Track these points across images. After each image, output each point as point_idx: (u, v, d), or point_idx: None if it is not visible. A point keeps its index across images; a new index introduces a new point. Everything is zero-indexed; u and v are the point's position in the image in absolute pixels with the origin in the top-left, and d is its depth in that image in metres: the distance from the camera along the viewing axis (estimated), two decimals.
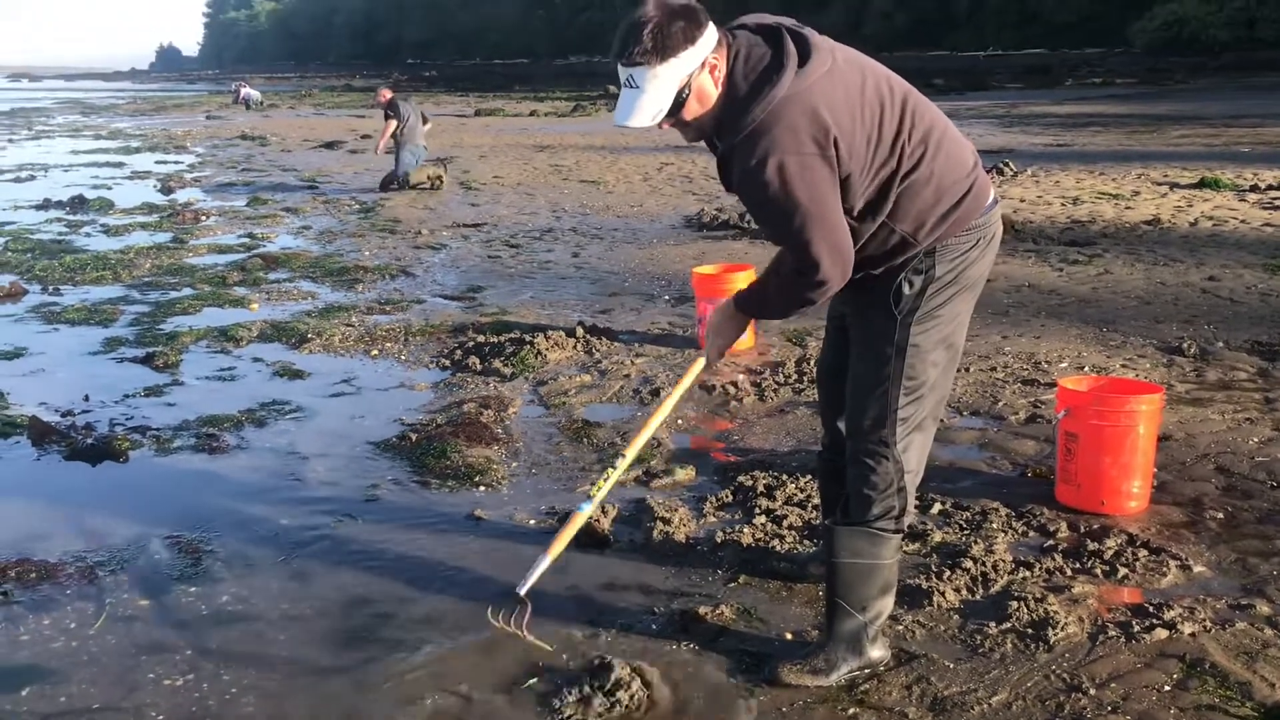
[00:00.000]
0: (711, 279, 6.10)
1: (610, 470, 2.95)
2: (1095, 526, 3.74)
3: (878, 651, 2.94)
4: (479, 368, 5.90)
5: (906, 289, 2.68)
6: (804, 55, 2.53)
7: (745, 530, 3.77)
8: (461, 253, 9.56)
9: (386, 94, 14.17)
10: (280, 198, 13.48)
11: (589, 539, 3.80)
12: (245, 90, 38.27)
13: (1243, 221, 9.50)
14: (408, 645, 3.17)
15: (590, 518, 2.95)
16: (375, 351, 6.38)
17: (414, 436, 4.86)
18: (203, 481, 4.48)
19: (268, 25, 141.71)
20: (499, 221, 11.24)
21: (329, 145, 20.90)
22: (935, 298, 2.69)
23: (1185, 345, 5.75)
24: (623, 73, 2.54)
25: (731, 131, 2.54)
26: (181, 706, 2.91)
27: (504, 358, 5.97)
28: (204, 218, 11.84)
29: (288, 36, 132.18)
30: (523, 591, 2.87)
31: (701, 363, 3.04)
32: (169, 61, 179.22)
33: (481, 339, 6.39)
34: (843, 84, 2.54)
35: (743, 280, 5.99)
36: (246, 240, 10.38)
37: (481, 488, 4.32)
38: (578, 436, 4.87)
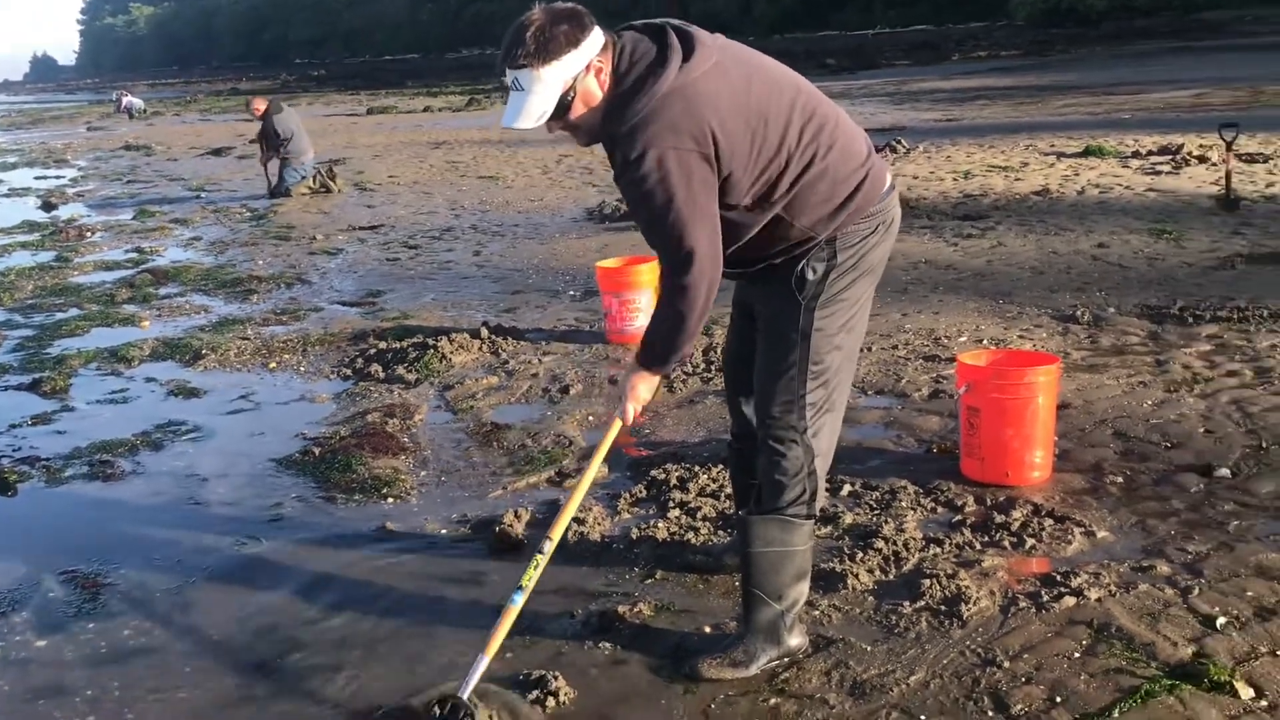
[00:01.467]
0: (615, 273, 6.07)
1: (539, 556, 2.86)
2: (1001, 498, 3.81)
3: (796, 639, 2.95)
4: (382, 375, 5.79)
5: (810, 275, 2.72)
6: (688, 51, 2.56)
7: (660, 525, 3.75)
8: (359, 257, 9.39)
9: (260, 105, 13.32)
10: (168, 209, 13.10)
11: (502, 545, 3.76)
12: (127, 99, 37.05)
13: (1127, 188, 9.77)
14: (321, 671, 3.09)
15: (518, 601, 2.83)
16: (273, 364, 6.23)
17: (317, 451, 4.75)
18: (98, 511, 4.32)
19: (147, 30, 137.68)
20: (396, 222, 11.06)
21: (216, 152, 20.37)
22: (838, 283, 2.73)
23: (1079, 313, 5.89)
24: (509, 75, 2.58)
25: (616, 125, 2.57)
26: None
27: (407, 363, 5.87)
28: (89, 234, 11.44)
29: (169, 41, 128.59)
30: (464, 695, 2.71)
31: (618, 425, 2.91)
32: (44, 71, 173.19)
33: (383, 345, 6.28)
34: (727, 81, 2.58)
35: (648, 273, 5.98)
36: (134, 255, 10.06)
37: (390, 499, 4.23)
38: (487, 440, 4.81)
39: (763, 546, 2.87)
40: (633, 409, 2.86)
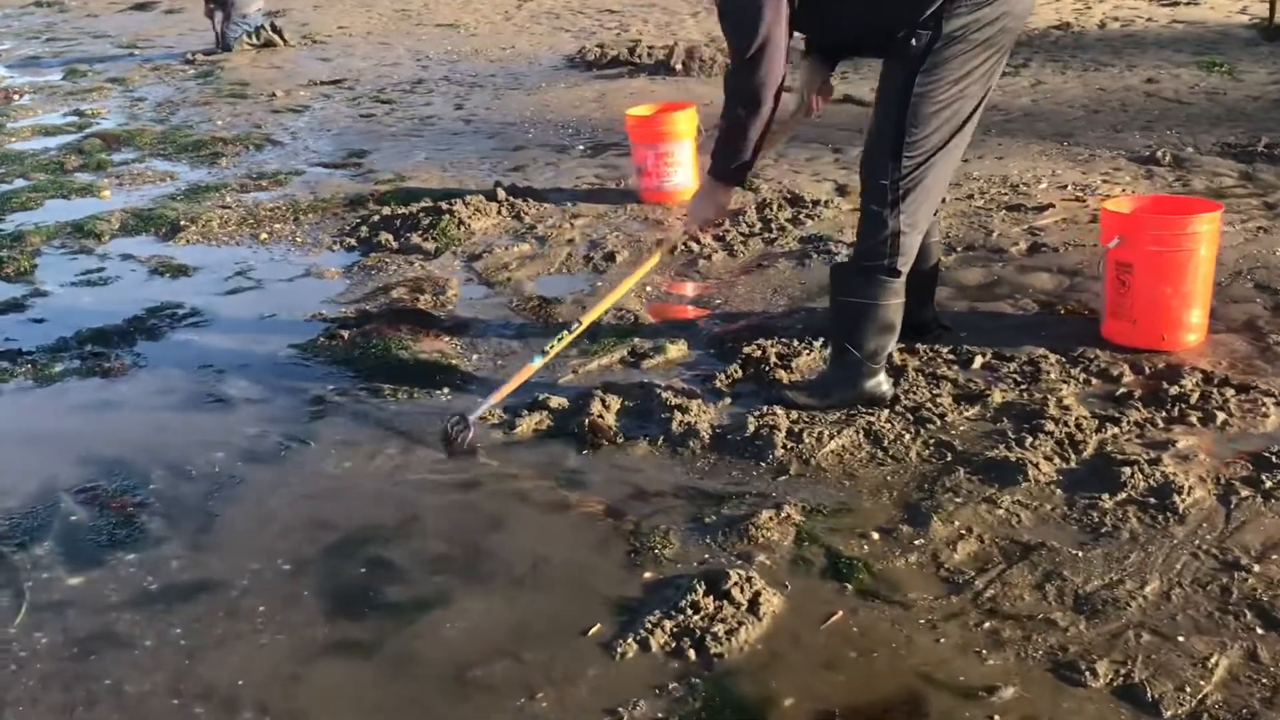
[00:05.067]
0: (650, 122, 5.42)
1: (565, 333, 3.44)
2: (1160, 366, 3.35)
3: (873, 386, 3.20)
4: (394, 245, 5.16)
5: (914, 43, 2.90)
6: None
7: (779, 411, 3.24)
8: (329, 114, 8.57)
9: None
10: (101, 67, 11.97)
11: (593, 437, 3.24)
12: None
13: (1149, 20, 9.17)
14: (423, 602, 2.58)
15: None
16: (264, 235, 5.56)
17: (345, 334, 4.16)
18: (104, 414, 3.72)
19: None
20: (359, 76, 10.16)
21: (140, 7, 18.84)
22: (942, 53, 2.89)
23: (1159, 153, 5.38)
24: None
25: None
26: (159, 716, 2.29)
27: (421, 231, 5.23)
28: (16, 96, 10.41)
29: None
30: (471, 417, 3.25)
31: (673, 235, 3.59)
32: None
33: (387, 211, 5.62)
34: None
35: (683, 120, 5.35)
36: (75, 119, 9.10)
37: (445, 390, 3.68)
38: (537, 317, 4.24)
39: (846, 295, 3.17)
40: (698, 220, 3.34)
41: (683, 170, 5.37)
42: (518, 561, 2.72)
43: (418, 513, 2.97)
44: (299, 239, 5.47)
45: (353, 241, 5.32)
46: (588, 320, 3.50)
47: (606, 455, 3.19)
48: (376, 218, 5.53)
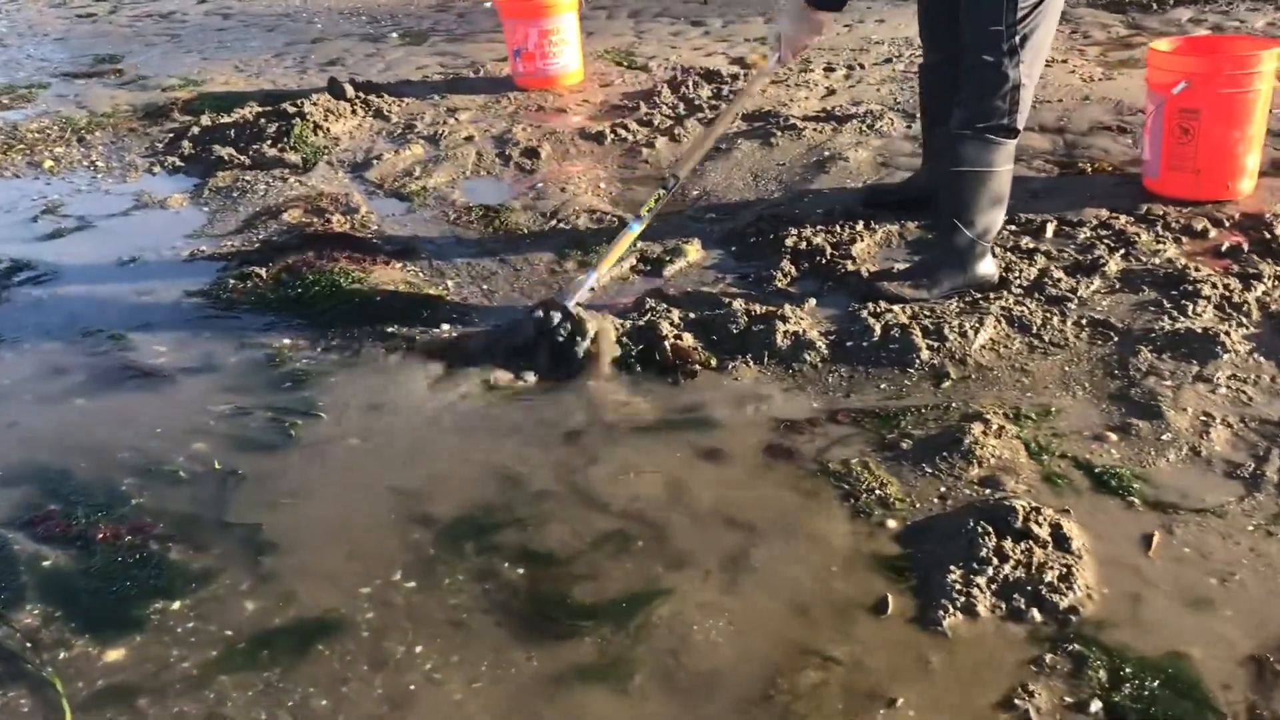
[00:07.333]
0: None
1: (661, 191, 2.93)
2: (1237, 216, 3.17)
3: (984, 268, 2.86)
4: (243, 160, 4.21)
5: None
6: None
7: (893, 308, 2.79)
8: (31, 18, 7.09)
9: None
10: None
11: (682, 364, 2.67)
12: None
13: None
14: (636, 598, 1.97)
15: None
16: (49, 163, 4.42)
17: (262, 272, 3.29)
18: None
19: None
20: None
21: None
22: None
23: None
24: None
25: None
26: None
27: (271, 141, 4.30)
28: None
29: None
30: (570, 304, 2.76)
31: (766, 66, 3.07)
32: None
33: (206, 121, 4.61)
34: None
35: None
36: None
37: (445, 326, 2.95)
38: (492, 226, 3.54)
39: (961, 165, 2.79)
40: (791, 45, 2.91)
41: (569, 49, 4.70)
42: (708, 528, 2.15)
43: (532, 481, 2.31)
44: (99, 163, 4.38)
45: (175, 160, 4.32)
46: (685, 170, 3.00)
47: (709, 384, 2.63)
48: (196, 130, 4.53)
